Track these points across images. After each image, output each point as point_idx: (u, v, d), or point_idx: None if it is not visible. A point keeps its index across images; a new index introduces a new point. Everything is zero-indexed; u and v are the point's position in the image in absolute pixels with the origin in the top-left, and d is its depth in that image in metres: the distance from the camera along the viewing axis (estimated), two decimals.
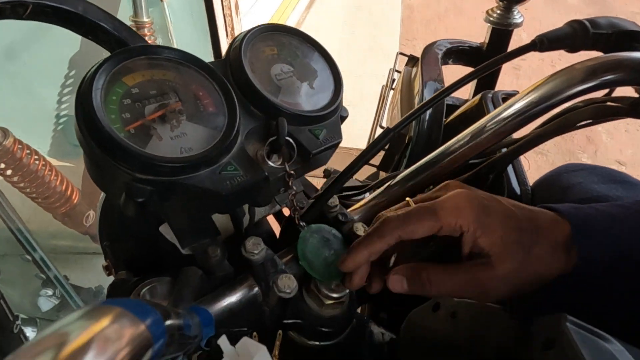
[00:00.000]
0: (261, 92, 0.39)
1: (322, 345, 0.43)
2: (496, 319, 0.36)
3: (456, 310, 0.41)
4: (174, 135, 0.35)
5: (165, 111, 0.35)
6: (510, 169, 0.57)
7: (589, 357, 0.27)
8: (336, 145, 0.42)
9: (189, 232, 0.42)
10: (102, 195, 0.52)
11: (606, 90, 0.43)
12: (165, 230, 0.47)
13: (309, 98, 0.43)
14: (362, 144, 0.81)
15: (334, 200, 0.44)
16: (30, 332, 1.44)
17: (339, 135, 0.42)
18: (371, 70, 2.71)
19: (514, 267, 0.36)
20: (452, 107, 0.75)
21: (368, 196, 0.49)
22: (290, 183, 0.39)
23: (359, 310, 0.51)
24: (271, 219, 0.54)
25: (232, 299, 0.37)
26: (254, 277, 0.38)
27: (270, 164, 0.38)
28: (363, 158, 0.40)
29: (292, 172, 0.39)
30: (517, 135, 0.47)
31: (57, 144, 1.80)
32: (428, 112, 0.62)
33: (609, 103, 0.38)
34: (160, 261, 0.48)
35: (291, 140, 0.39)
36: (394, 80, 0.69)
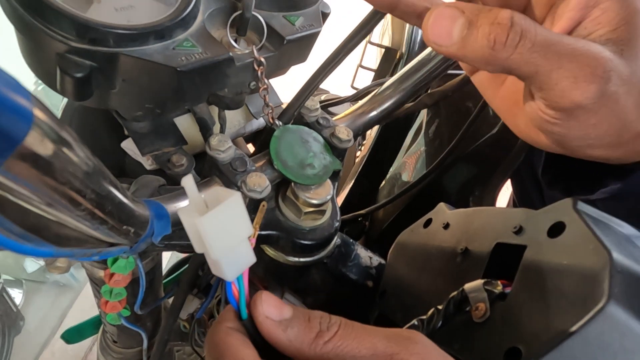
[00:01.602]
0: None
1: (303, 263, 0.39)
2: (494, 216, 0.32)
3: (450, 220, 0.37)
4: (119, 7, 0.30)
5: None
6: None
7: (606, 240, 0.23)
8: (315, 36, 0.37)
9: (149, 137, 0.37)
10: (59, 113, 0.47)
11: None
12: (128, 146, 0.43)
13: None
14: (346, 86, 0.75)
15: (314, 103, 0.39)
16: (16, 294, 1.41)
17: (318, 24, 0.37)
18: None
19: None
20: None
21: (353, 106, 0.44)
22: (260, 74, 0.34)
23: None
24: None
25: None
26: (220, 178, 0.33)
27: (237, 47, 0.33)
28: (349, 43, 0.35)
29: (262, 59, 0.34)
30: None
31: None
32: (420, 30, 0.57)
33: None
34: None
35: (260, 18, 0.33)
36: None
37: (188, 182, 0.18)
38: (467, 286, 0.28)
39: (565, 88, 0.22)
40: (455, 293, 0.28)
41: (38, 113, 0.11)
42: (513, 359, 0.23)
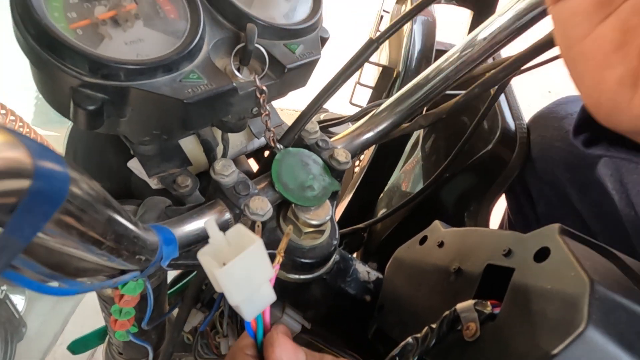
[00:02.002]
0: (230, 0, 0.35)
1: (303, 280, 0.40)
2: (486, 238, 0.33)
3: (444, 238, 0.39)
4: (129, 41, 0.32)
5: (117, 12, 0.31)
6: (504, 103, 0.54)
7: (587, 267, 0.25)
8: (315, 62, 0.39)
9: (156, 159, 0.39)
10: (66, 134, 0.49)
11: None
12: (134, 165, 0.44)
13: (285, 11, 0.39)
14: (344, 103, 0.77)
15: (314, 126, 0.41)
16: (18, 300, 1.42)
17: (317, 52, 0.39)
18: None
19: None
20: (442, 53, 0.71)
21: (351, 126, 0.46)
22: (262, 101, 0.36)
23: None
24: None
25: (200, 224, 0.34)
26: (224, 201, 0.35)
27: (240, 76, 0.35)
28: (345, 72, 0.37)
29: (264, 87, 0.35)
30: None
31: (40, 113, 1.75)
32: (417, 48, 0.59)
33: None
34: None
35: (262, 49, 0.35)
36: (382, 18, 0.65)
37: (210, 225, 0.19)
38: (459, 306, 0.30)
39: None
40: (447, 312, 0.30)
41: (73, 174, 0.13)
42: None
